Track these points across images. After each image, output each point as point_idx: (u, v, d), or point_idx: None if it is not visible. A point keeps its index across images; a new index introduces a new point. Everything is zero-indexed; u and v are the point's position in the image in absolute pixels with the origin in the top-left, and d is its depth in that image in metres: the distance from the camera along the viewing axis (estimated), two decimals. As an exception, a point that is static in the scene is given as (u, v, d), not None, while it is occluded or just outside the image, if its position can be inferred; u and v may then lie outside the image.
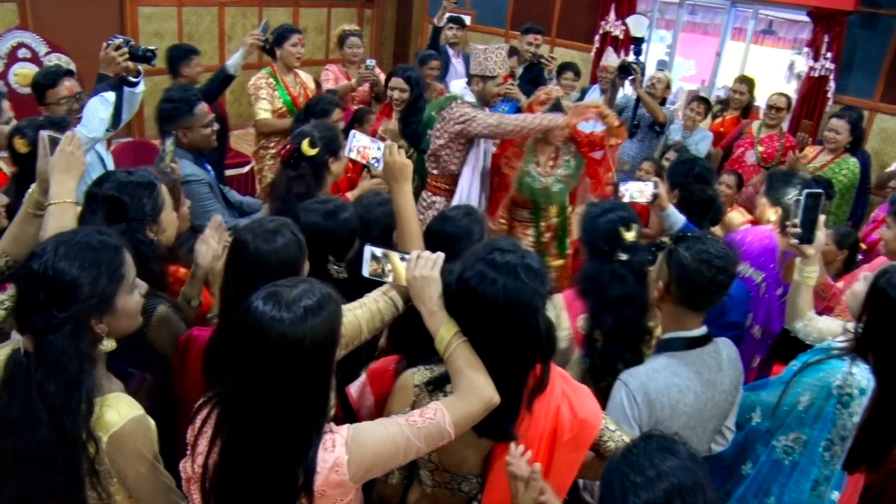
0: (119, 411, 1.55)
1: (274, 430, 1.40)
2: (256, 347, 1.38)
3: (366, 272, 1.88)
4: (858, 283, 2.34)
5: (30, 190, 2.15)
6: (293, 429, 1.42)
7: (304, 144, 2.84)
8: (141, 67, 3.41)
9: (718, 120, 5.93)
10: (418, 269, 1.73)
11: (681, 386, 2.01)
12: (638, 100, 5.43)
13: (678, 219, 3.01)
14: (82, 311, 1.51)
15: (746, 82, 5.82)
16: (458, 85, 4.15)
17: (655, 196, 3.01)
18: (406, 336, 2.17)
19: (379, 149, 2.25)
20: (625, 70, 5.20)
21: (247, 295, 1.82)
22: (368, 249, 1.87)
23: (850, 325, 2.27)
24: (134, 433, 1.56)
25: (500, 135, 3.90)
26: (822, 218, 2.50)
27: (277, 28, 4.83)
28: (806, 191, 2.51)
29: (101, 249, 1.56)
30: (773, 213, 3.09)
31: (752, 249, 3.03)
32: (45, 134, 2.14)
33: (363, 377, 2.07)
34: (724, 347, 2.15)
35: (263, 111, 4.57)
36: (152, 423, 1.63)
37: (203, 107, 3.21)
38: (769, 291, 3.05)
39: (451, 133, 3.89)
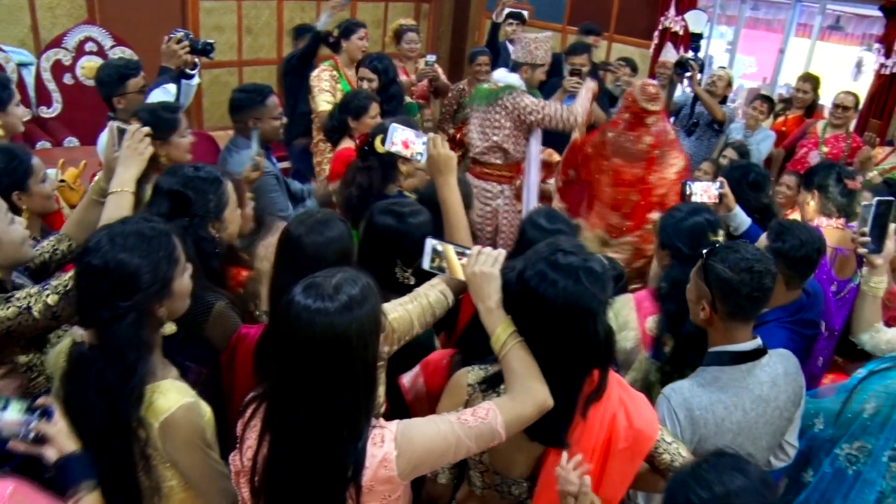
0: (170, 398, 1.58)
1: (322, 421, 1.41)
2: (302, 340, 1.38)
3: (426, 265, 1.87)
4: None
5: (96, 177, 2.20)
6: (341, 420, 1.41)
7: (377, 141, 2.83)
8: (197, 60, 3.51)
9: (781, 119, 5.74)
10: (478, 264, 1.70)
11: (727, 402, 1.95)
12: (696, 97, 5.31)
13: (744, 220, 2.95)
14: (145, 299, 1.56)
15: (811, 80, 5.60)
16: (501, 73, 4.16)
17: (722, 196, 2.94)
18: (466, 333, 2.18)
19: (424, 143, 2.23)
20: (682, 66, 5.08)
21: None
22: (430, 242, 1.86)
23: None
24: (184, 419, 1.59)
25: (570, 126, 4.05)
26: (892, 226, 2.41)
27: (343, 22, 4.86)
28: (876, 198, 2.41)
29: (154, 237, 1.60)
30: (811, 199, 3.04)
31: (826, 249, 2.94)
32: (114, 125, 2.19)
33: (416, 368, 2.07)
34: (781, 361, 2.07)
35: (325, 103, 4.55)
36: (206, 409, 1.67)
37: (274, 99, 3.31)
38: (822, 289, 2.93)
39: (517, 122, 4.03)
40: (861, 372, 2.25)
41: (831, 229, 2.98)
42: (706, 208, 2.52)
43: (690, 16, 6.24)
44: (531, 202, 4.30)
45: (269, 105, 3.28)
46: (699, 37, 5.97)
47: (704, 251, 2.03)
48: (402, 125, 2.33)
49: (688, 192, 3.01)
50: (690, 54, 5.43)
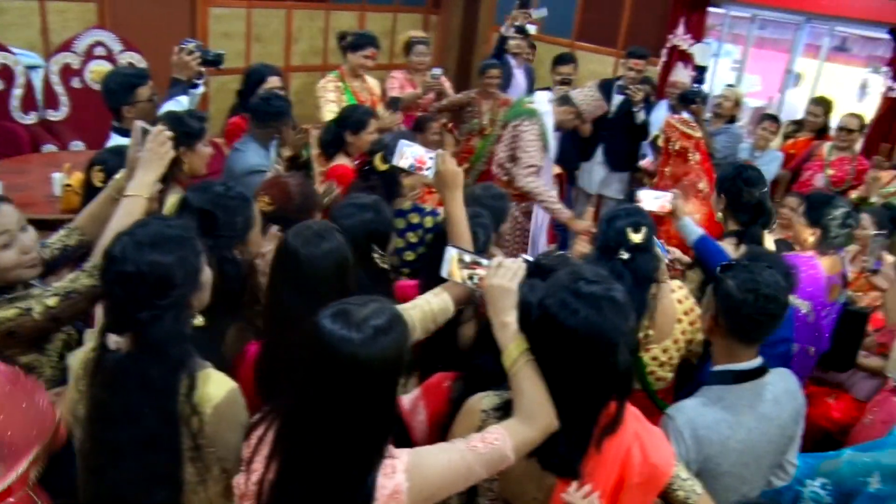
0: (218, 384, 1.63)
1: (335, 451, 1.39)
2: (323, 367, 1.36)
3: (444, 273, 1.87)
4: None
5: (116, 175, 2.20)
6: (355, 451, 1.40)
7: (377, 159, 2.84)
8: (203, 70, 3.58)
9: (790, 141, 5.74)
10: (497, 277, 1.68)
11: (731, 421, 1.95)
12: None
13: (693, 230, 3.00)
14: (182, 294, 1.59)
15: (823, 104, 5.61)
16: (543, 97, 4.22)
17: (673, 207, 3.03)
18: (467, 354, 2.16)
19: (432, 158, 2.25)
20: (686, 100, 5.12)
21: (298, 302, 1.84)
22: (450, 250, 1.86)
23: None
24: (234, 403, 1.65)
25: (518, 185, 4.13)
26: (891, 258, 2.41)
27: (360, 34, 4.85)
28: None
29: (176, 233, 1.63)
30: (811, 235, 3.06)
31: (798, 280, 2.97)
32: (139, 124, 2.18)
33: (417, 391, 2.05)
34: (782, 379, 2.07)
35: (331, 113, 4.52)
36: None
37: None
38: (817, 319, 2.99)
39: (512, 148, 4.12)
40: None
41: (826, 258, 3.02)
42: (637, 210, 2.56)
43: (698, 49, 6.33)
44: (541, 222, 4.34)
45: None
46: (704, 70, 6.03)
47: (723, 266, 2.06)
48: (407, 140, 2.34)
49: (636, 199, 3.12)
50: (693, 85, 5.51)
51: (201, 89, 3.62)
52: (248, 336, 2.09)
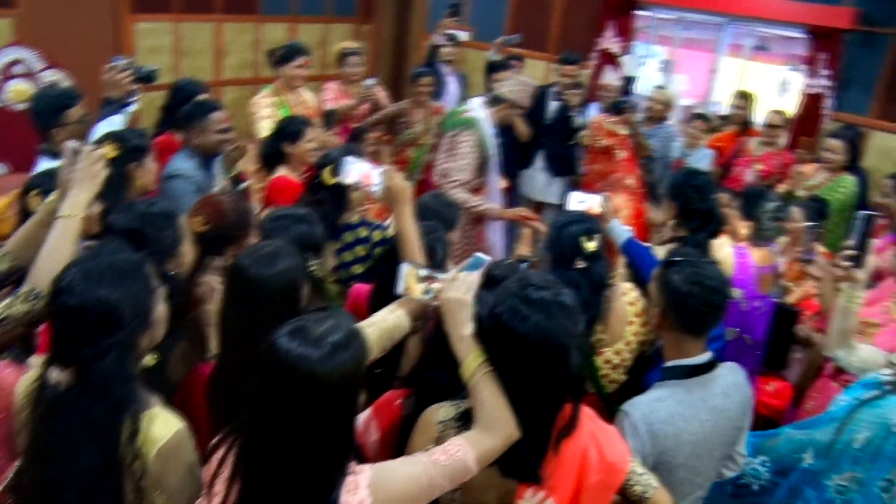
0: (165, 424, 1.56)
1: (297, 470, 1.37)
2: (281, 385, 1.34)
3: (400, 289, 1.86)
4: None
5: (49, 198, 2.12)
6: (317, 469, 1.38)
7: (325, 173, 2.83)
8: (135, 87, 3.49)
9: (717, 135, 5.93)
10: (452, 290, 1.69)
11: (685, 415, 1.99)
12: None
13: (621, 232, 3.06)
14: (129, 333, 1.53)
15: (745, 97, 5.85)
16: (477, 103, 4.22)
17: (602, 209, 3.08)
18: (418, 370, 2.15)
19: (380, 174, 2.24)
20: (616, 110, 5.26)
21: (248, 323, 1.81)
22: (404, 266, 1.85)
23: (895, 357, 2.26)
24: (179, 444, 1.58)
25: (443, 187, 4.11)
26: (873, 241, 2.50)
27: (287, 46, 4.80)
28: (862, 213, 2.52)
29: (129, 268, 1.57)
30: (744, 228, 3.20)
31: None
32: (71, 144, 2.11)
33: (368, 411, 2.03)
34: (730, 373, 2.13)
35: (266, 130, 4.47)
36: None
37: (219, 115, 3.37)
38: (750, 306, 3.10)
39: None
40: (844, 398, 2.30)
41: (757, 250, 3.16)
42: (587, 217, 2.59)
43: (626, 59, 6.56)
44: (495, 236, 4.37)
45: (213, 119, 3.34)
46: (633, 79, 6.21)
47: (666, 261, 2.09)
48: (353, 157, 2.34)
49: (566, 200, 3.18)
50: (624, 97, 5.71)
51: (134, 107, 3.53)
52: (193, 357, 2.04)
